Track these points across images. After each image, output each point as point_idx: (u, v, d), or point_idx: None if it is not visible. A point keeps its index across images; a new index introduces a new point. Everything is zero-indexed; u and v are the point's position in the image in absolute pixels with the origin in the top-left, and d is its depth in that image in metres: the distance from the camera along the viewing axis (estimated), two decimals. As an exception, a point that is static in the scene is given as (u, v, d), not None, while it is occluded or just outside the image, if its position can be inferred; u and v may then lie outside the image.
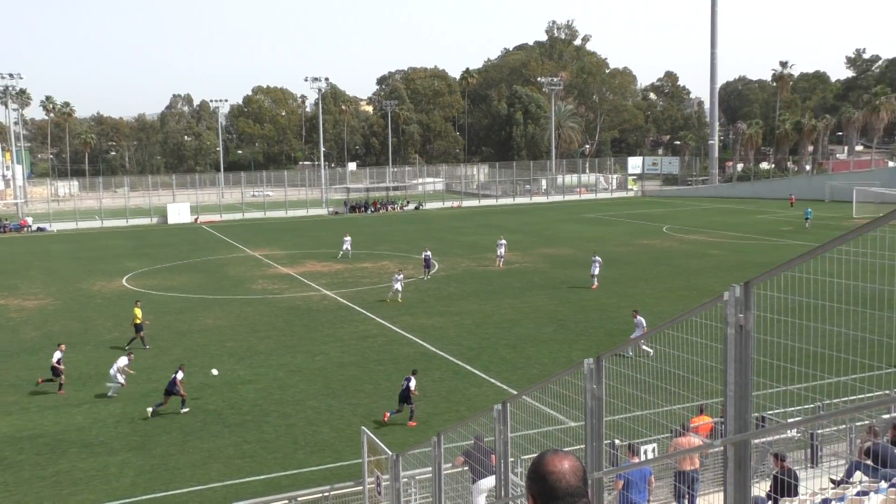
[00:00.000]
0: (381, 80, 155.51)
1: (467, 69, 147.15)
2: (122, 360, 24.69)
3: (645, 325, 27.38)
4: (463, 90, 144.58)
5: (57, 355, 24.91)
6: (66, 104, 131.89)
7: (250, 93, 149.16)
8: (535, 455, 3.02)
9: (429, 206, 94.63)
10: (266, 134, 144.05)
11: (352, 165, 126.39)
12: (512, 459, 9.83)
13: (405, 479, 13.08)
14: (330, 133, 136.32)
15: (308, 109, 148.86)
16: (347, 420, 21.66)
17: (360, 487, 14.24)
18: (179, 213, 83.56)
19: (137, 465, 18.98)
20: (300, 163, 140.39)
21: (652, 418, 8.89)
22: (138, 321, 29.94)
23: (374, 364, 27.14)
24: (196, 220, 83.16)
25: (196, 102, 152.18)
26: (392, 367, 26.50)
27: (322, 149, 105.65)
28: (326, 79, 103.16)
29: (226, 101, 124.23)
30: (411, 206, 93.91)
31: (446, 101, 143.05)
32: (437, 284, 41.39)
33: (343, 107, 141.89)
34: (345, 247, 51.56)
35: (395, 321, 33.08)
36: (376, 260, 50.62)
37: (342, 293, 39.77)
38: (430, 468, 11.86)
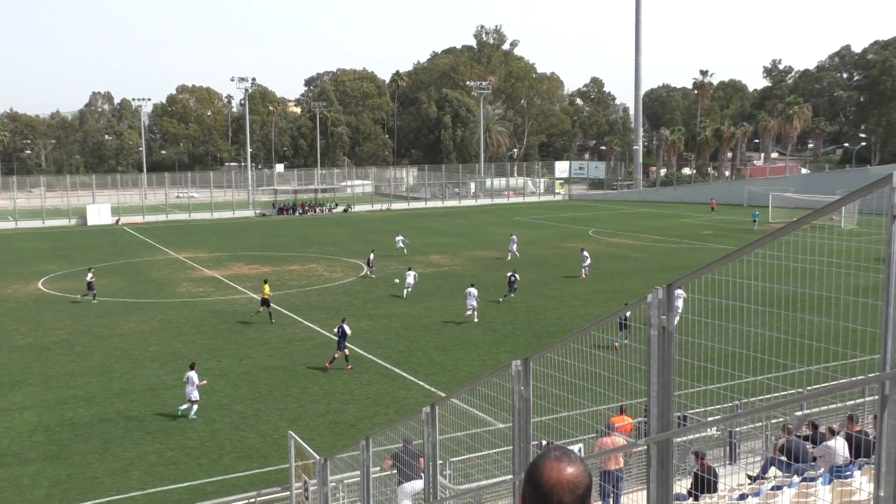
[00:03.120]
0: (310, 82, 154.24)
1: (397, 72, 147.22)
2: (193, 375, 22.11)
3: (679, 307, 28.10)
4: (392, 93, 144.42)
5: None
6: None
7: (174, 92, 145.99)
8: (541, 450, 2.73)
9: (358, 208, 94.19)
10: (191, 134, 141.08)
11: (279, 167, 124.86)
12: (440, 462, 9.86)
13: (333, 484, 12.98)
14: (257, 134, 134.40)
15: (235, 110, 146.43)
16: (274, 424, 21.35)
17: (288, 493, 14.07)
18: (100, 214, 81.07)
19: (53, 476, 18.31)
20: (226, 164, 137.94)
21: (578, 419, 9.03)
22: (267, 296, 33.36)
23: (302, 368, 26.85)
24: (117, 221, 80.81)
25: (117, 100, 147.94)
26: (320, 371, 26.25)
27: (249, 150, 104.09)
28: (253, 79, 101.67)
29: (148, 99, 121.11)
30: (340, 209, 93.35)
31: (375, 104, 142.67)
32: (366, 287, 41.21)
33: (271, 107, 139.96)
34: (399, 245, 52.11)
35: (324, 324, 32.79)
36: (304, 263, 50.10)
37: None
38: (358, 472, 11.80)
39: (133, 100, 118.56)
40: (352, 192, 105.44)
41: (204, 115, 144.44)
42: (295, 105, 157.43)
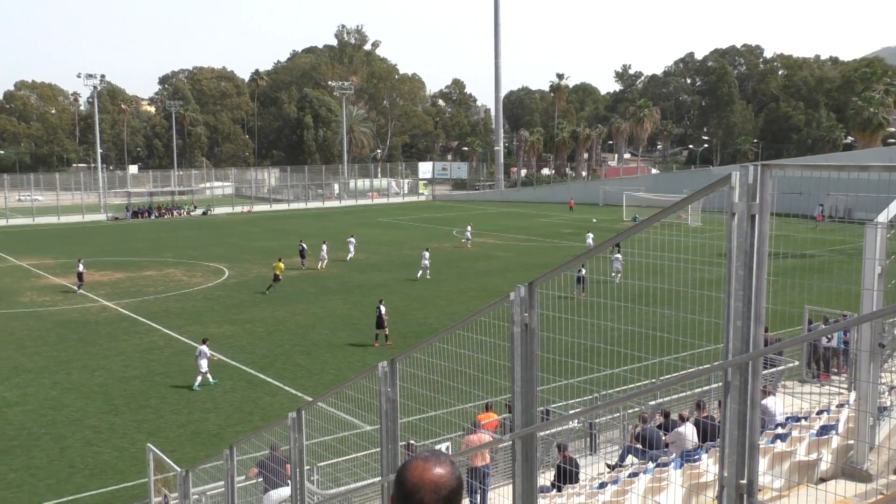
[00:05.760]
0: (164, 80, 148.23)
1: (256, 70, 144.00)
2: (206, 349, 24.74)
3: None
4: (252, 92, 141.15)
5: None
6: None
7: (13, 88, 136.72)
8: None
9: (218, 210, 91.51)
10: (33, 133, 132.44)
11: (133, 168, 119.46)
12: (308, 467, 9.71)
13: (196, 496, 12.56)
14: (108, 134, 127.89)
15: (83, 108, 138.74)
16: (132, 438, 20.39)
17: (147, 509, 13.48)
18: (-70, 219, 74.94)
19: None
20: (74, 165, 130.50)
21: (445, 418, 9.12)
22: (279, 272, 39.43)
23: (161, 377, 25.79)
24: (-49, 227, 74.96)
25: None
26: (180, 380, 25.31)
27: (99, 150, 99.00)
28: (103, 76, 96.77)
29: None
30: (199, 211, 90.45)
31: (235, 103, 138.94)
32: (227, 291, 40.07)
33: (123, 106, 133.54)
34: (424, 262, 43.91)
35: (183, 331, 31.65)
36: (161, 268, 48.14)
37: (124, 304, 37.44)
38: (222, 482, 11.46)
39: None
40: (211, 194, 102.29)
41: (48, 113, 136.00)
42: (149, 104, 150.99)
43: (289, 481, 9.76)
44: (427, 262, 42.58)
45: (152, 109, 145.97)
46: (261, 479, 12.22)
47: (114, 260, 49.87)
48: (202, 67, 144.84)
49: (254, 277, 44.05)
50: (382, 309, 28.92)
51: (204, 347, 24.76)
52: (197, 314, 34.77)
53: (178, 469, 11.97)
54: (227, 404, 23.03)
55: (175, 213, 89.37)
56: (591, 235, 51.34)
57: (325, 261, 47.08)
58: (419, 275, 42.35)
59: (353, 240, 51.67)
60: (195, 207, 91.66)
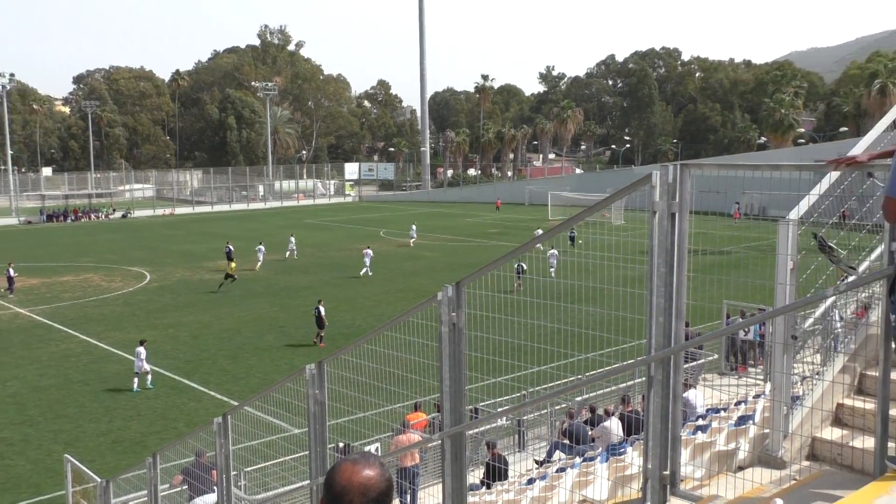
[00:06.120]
0: (79, 79, 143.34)
1: (177, 71, 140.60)
2: (142, 350, 24.66)
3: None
4: (172, 93, 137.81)
5: None
6: None
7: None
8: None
9: (138, 213, 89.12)
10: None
11: (47, 170, 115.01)
12: (235, 473, 9.56)
13: (118, 507, 12.21)
14: (19, 135, 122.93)
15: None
16: (47, 449, 19.68)
17: (66, 522, 13.05)
18: None
19: None
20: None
21: (374, 419, 9.10)
22: (231, 272, 40.32)
23: (79, 385, 24.97)
24: None
25: None
26: (100, 387, 24.57)
27: (10, 152, 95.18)
28: (12, 74, 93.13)
29: None
30: (118, 214, 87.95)
31: (154, 104, 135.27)
32: (148, 296, 39.05)
33: (35, 106, 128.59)
34: (366, 260, 44.09)
35: (102, 337, 30.71)
36: (78, 273, 46.59)
37: (39, 310, 36.12)
38: (145, 491, 11.18)
39: None
40: (131, 196, 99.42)
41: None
42: (63, 104, 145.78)
43: (215, 488, 9.58)
44: (369, 259, 43.72)
45: (67, 110, 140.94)
46: (186, 487, 11.97)
47: (27, 265, 48.00)
48: (119, 67, 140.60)
49: (176, 281, 43.05)
50: (321, 309, 29.18)
51: (140, 349, 24.69)
52: (117, 320, 33.80)
53: (98, 479, 11.63)
54: (149, 411, 22.46)
55: (93, 216, 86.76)
56: (539, 231, 52.48)
57: (261, 262, 47.11)
58: (362, 272, 43.04)
59: (293, 239, 52.87)
60: (114, 210, 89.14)
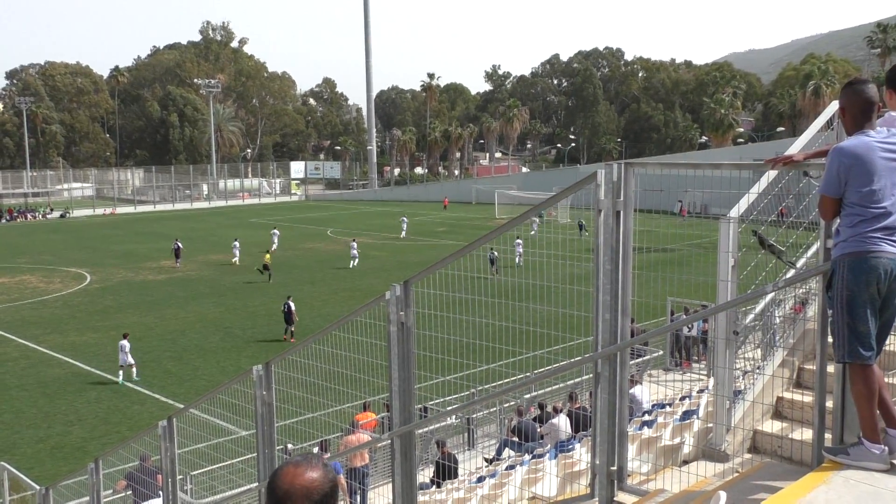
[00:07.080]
0: (12, 75, 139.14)
1: (116, 67, 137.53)
2: (126, 343, 24.87)
3: None
4: (112, 89, 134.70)
5: None
6: None
7: None
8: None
9: (77, 213, 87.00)
10: None
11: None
12: (180, 477, 9.40)
13: (58, 515, 11.91)
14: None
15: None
16: (-16, 457, 19.10)
17: (3, 531, 12.69)
18: None
19: None
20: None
21: (323, 419, 9.03)
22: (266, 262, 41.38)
23: (16, 391, 24.26)
24: None
25: None
26: (38, 392, 23.92)
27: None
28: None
29: None
30: (56, 214, 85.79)
31: (93, 101, 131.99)
32: (89, 298, 38.14)
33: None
34: (353, 252, 46.70)
35: (41, 341, 29.90)
36: (14, 274, 45.27)
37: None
38: (87, 498, 10.93)
39: None
40: (69, 195, 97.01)
41: None
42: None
43: (160, 492, 9.42)
44: (356, 251, 45.74)
45: (0, 106, 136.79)
46: (130, 492, 11.74)
47: (-40, 267, 46.54)
48: (55, 62, 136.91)
49: (118, 282, 42.13)
50: (291, 304, 29.79)
51: (124, 342, 24.92)
52: (56, 322, 32.95)
53: (38, 487, 11.34)
54: (91, 416, 21.95)
55: (29, 216, 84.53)
56: (520, 242, 51.22)
57: (237, 258, 48.01)
58: (352, 265, 45.10)
59: (277, 231, 55.42)
60: (52, 210, 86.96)
